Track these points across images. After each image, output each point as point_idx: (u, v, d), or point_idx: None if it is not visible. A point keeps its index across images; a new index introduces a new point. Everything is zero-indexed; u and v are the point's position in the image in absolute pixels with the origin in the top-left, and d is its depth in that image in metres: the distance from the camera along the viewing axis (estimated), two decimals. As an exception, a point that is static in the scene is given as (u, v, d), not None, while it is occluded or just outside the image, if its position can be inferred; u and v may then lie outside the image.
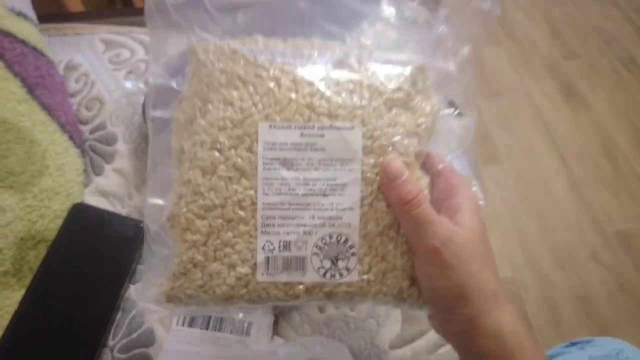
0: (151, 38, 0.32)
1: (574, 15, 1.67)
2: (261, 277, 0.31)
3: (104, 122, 0.55)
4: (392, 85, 0.32)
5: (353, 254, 0.31)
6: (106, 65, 0.60)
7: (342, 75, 0.31)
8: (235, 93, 0.31)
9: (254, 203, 0.31)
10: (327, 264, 0.31)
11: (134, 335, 0.44)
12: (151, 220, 0.32)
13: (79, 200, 0.49)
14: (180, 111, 0.32)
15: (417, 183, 0.31)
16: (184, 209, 0.31)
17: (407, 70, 0.33)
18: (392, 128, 0.31)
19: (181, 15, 0.31)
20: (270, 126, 0.30)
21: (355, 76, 0.31)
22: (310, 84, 0.31)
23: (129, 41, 0.63)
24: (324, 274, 0.31)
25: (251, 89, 0.31)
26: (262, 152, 0.30)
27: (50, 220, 0.45)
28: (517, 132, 1.34)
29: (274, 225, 0.31)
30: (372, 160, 0.31)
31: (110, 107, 0.56)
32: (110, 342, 0.43)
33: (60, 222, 0.46)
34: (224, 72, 0.31)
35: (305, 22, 0.33)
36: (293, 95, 0.31)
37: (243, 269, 0.31)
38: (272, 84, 0.31)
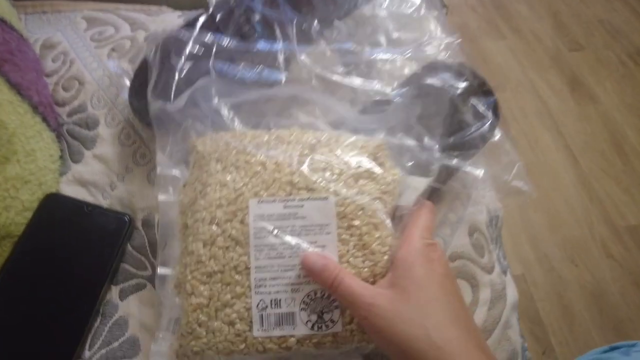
0: (157, 134, 0.39)
1: (577, 7, 1.58)
2: (257, 332, 0.35)
3: (83, 104, 0.48)
4: (356, 161, 0.38)
5: (336, 307, 0.36)
6: (87, 43, 0.52)
7: (316, 157, 0.38)
8: (229, 177, 0.37)
9: (247, 267, 0.36)
10: (314, 317, 0.35)
11: (115, 345, 0.38)
12: (160, 287, 0.37)
13: (53, 190, 0.42)
14: (184, 194, 0.39)
15: (333, 264, 0.34)
16: (189, 276, 0.36)
17: (369, 149, 0.39)
18: (360, 196, 0.37)
19: (181, 120, 0.39)
20: (258, 201, 0.36)
21: (326, 157, 0.38)
22: (290, 165, 0.38)
23: (114, 17, 0.55)
24: (312, 327, 0.35)
25: (242, 172, 0.38)
26: (253, 223, 0.36)
27: (17, 212, 0.38)
28: (523, 126, 1.26)
29: (265, 286, 0.35)
30: (345, 224, 0.37)
31: (91, 88, 0.49)
32: (87, 353, 0.37)
33: (29, 214, 0.40)
34: (219, 161, 0.38)
35: (290, 114, 0.40)
36: (277, 175, 0.37)
37: (241, 326, 0.35)
38: (259, 168, 0.38)
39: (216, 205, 0.37)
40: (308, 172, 0.37)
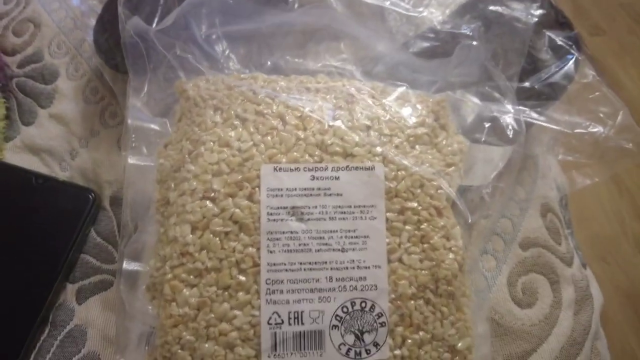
0: (130, 70, 0.27)
1: (596, -9, 1.54)
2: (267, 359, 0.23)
3: (39, 52, 0.39)
4: (413, 120, 0.27)
5: (382, 324, 0.24)
6: (47, -24, 0.40)
7: (356, 110, 0.26)
8: (232, 133, 0.25)
9: (256, 264, 0.24)
10: (351, 339, 0.24)
11: None
12: (127, 290, 0.25)
13: None
14: (165, 157, 0.27)
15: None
16: (169, 275, 0.24)
17: (428, 105, 0.28)
18: (418, 167, 0.26)
19: (167, 48, 0.27)
20: (274, 169, 0.25)
21: (371, 111, 0.27)
22: (320, 120, 0.26)
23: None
24: (347, 352, 0.24)
25: (251, 127, 0.26)
26: (266, 200, 0.24)
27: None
28: (546, 116, 1.22)
29: (282, 292, 0.24)
30: (397, 206, 0.25)
31: (50, 32, 0.40)
32: None
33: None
34: (218, 110, 0.26)
35: (308, 53, 0.28)
36: (301, 134, 0.25)
37: (244, 351, 0.23)
38: (276, 122, 0.26)
39: (212, 173, 0.25)
40: (346, 130, 0.26)
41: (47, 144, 0.35)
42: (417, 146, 0.27)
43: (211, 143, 0.25)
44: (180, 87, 0.28)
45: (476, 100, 0.31)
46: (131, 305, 0.25)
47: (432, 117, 0.27)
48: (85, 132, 0.37)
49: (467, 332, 0.26)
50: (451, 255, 0.25)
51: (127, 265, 0.25)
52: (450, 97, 0.29)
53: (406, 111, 0.27)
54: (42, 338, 0.29)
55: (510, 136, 0.30)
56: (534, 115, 0.31)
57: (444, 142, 0.27)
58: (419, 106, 0.27)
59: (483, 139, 0.30)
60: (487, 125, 0.30)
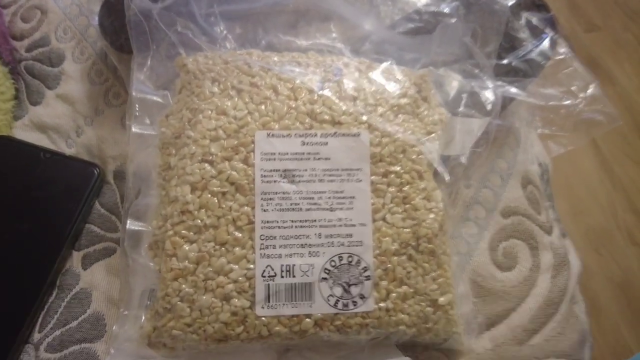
0: (134, 47, 0.28)
1: (591, -12, 1.51)
2: (261, 310, 0.25)
3: (46, 36, 0.40)
4: (397, 92, 0.28)
5: (367, 278, 0.25)
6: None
7: (344, 82, 0.28)
8: (229, 102, 0.27)
9: (251, 222, 0.25)
10: (339, 291, 0.25)
11: (73, 324, 0.29)
12: (131, 248, 0.26)
13: (3, 134, 0.35)
14: (167, 126, 0.28)
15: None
16: (170, 232, 0.25)
17: (411, 78, 0.29)
18: (401, 134, 0.27)
19: (168, 26, 0.28)
20: (268, 134, 0.26)
21: (357, 83, 0.28)
22: (311, 91, 0.27)
23: None
24: (335, 304, 0.25)
25: (246, 98, 0.27)
26: (260, 163, 0.26)
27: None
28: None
29: (274, 247, 0.25)
30: (382, 169, 0.26)
31: (56, 18, 0.41)
32: (36, 336, 0.29)
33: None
34: (216, 82, 0.28)
35: (300, 32, 0.30)
36: (292, 103, 0.27)
37: (240, 302, 0.25)
38: (269, 92, 0.27)
39: (210, 138, 0.26)
40: (334, 100, 0.27)
41: (54, 122, 0.36)
42: (400, 115, 0.28)
43: (209, 111, 0.27)
44: (181, 62, 0.29)
45: (458, 76, 0.32)
46: (135, 262, 0.26)
47: (414, 89, 0.29)
48: (90, 111, 0.38)
49: (449, 288, 0.27)
50: (432, 215, 0.27)
51: (131, 224, 0.27)
52: (432, 72, 0.31)
53: (390, 84, 0.28)
54: (50, 300, 0.30)
55: (488, 109, 0.31)
56: (512, 90, 0.32)
57: (425, 113, 0.29)
58: (402, 79, 0.29)
59: (463, 111, 0.32)
60: (466, 99, 0.32)
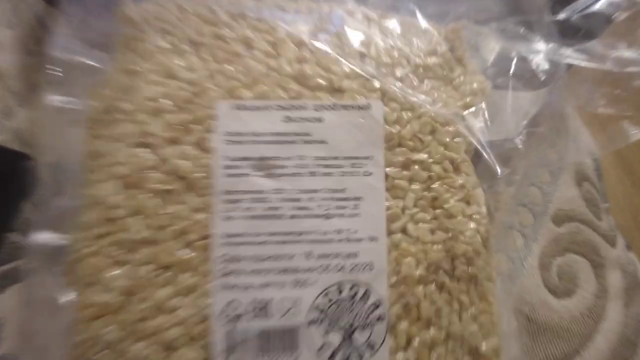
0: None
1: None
2: (221, 366, 0.16)
3: None
4: (422, 47, 0.20)
5: (380, 318, 0.17)
6: None
7: (347, 33, 0.19)
8: (180, 60, 0.18)
9: (207, 235, 0.17)
10: (336, 338, 0.17)
11: None
12: (37, 273, 0.18)
13: None
14: (98, 98, 0.20)
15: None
16: (90, 249, 0.17)
17: (440, 31, 0.21)
18: (430, 107, 0.19)
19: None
20: (235, 106, 0.18)
21: (366, 35, 0.19)
22: (300, 44, 0.19)
23: None
24: (331, 357, 0.17)
25: (206, 54, 0.19)
26: (222, 148, 0.17)
27: None
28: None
29: (242, 273, 0.17)
30: (401, 158, 0.18)
31: None
32: None
33: None
34: (166, 34, 0.19)
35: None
36: (272, 62, 0.18)
37: (190, 353, 0.16)
38: (239, 47, 0.19)
39: (151, 111, 0.18)
40: (333, 57, 0.18)
41: (-23, 101, 0.28)
42: (426, 81, 0.19)
43: (152, 74, 0.18)
44: (122, 12, 0.21)
45: (498, 38, 0.24)
46: (43, 291, 0.18)
47: (445, 45, 0.20)
48: (24, 89, 0.29)
49: (493, 328, 0.19)
50: (472, 225, 0.18)
51: (41, 237, 0.18)
52: (468, 27, 0.22)
53: (413, 35, 0.20)
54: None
55: (542, 79, 0.23)
56: (571, 53, 0.24)
57: (461, 79, 0.20)
58: (429, 31, 0.20)
59: (504, 82, 0.23)
60: (511, 66, 0.23)
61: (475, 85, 0.21)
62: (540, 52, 0.24)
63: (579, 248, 0.25)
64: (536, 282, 0.24)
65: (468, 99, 0.20)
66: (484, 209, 0.19)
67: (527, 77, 0.23)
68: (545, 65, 0.23)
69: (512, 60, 0.23)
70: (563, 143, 0.28)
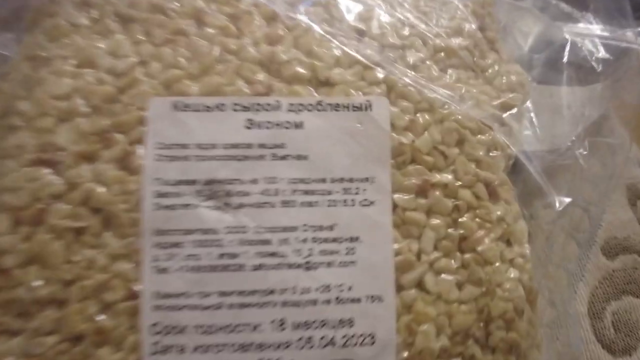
0: None
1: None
2: None
3: None
4: (443, 23, 0.14)
5: (384, 413, 0.12)
6: None
7: (339, 4, 0.14)
8: (103, 43, 0.13)
9: (132, 294, 0.11)
10: None
11: None
12: None
13: None
14: (-1, 93, 0.14)
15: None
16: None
17: (467, 4, 0.15)
18: (455, 106, 0.13)
19: None
20: (174, 106, 0.12)
21: (365, 7, 0.14)
22: (270, 18, 0.13)
23: None
24: None
25: (140, 33, 0.13)
26: (155, 166, 0.12)
27: None
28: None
29: (182, 350, 0.11)
30: (415, 181, 0.13)
31: None
32: None
33: None
34: (86, 6, 0.14)
35: None
36: (231, 43, 0.13)
37: None
38: (186, 23, 0.13)
39: (58, 115, 0.12)
40: (318, 37, 0.13)
41: None
42: (450, 70, 0.14)
43: (62, 62, 0.13)
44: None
45: (537, 17, 0.18)
46: None
47: (475, 22, 0.15)
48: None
49: (542, 413, 0.13)
50: (513, 274, 0.13)
51: None
52: (498, 0, 0.17)
53: (430, 8, 0.14)
54: None
55: (599, 69, 0.18)
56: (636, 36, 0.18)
57: (495, 69, 0.15)
58: (451, 2, 0.15)
59: (549, 78, 0.18)
60: (558, 55, 0.18)
61: (513, 77, 0.15)
62: (592, 35, 0.18)
63: (638, 289, 0.19)
64: (586, 334, 0.18)
65: (507, 96, 0.14)
66: (527, 250, 0.14)
67: (577, 68, 0.18)
68: (600, 52, 0.18)
69: (556, 46, 0.18)
70: (609, 152, 0.22)
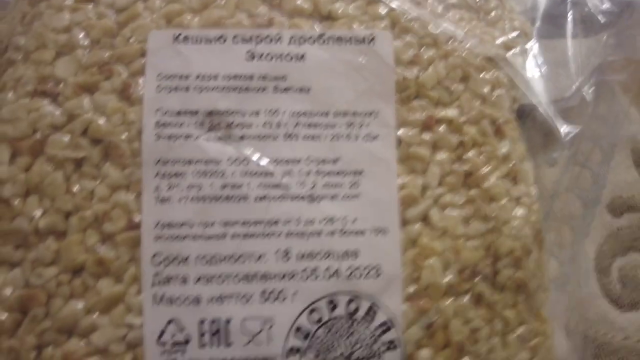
0: None
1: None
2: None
3: None
4: (447, -38, 0.14)
5: (391, 345, 0.12)
6: None
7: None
8: (103, -22, 0.13)
9: (133, 225, 0.11)
10: (326, 376, 0.11)
11: None
12: None
13: None
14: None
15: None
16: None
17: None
18: (459, 43, 0.13)
19: None
20: (175, 37, 0.12)
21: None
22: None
23: None
24: (319, 404, 0.11)
25: (141, -31, 0.13)
26: (156, 97, 0.12)
27: None
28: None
29: (185, 280, 0.11)
30: (420, 115, 0.12)
31: None
32: None
33: None
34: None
35: None
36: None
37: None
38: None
39: (57, 47, 0.12)
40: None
41: None
42: (453, 10, 0.14)
43: (62, -4, 0.13)
44: None
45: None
46: None
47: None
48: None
49: (549, 354, 0.13)
50: (520, 212, 0.13)
51: None
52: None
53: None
54: None
55: (603, 22, 0.17)
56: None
57: (498, 12, 0.15)
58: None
59: (553, 31, 0.18)
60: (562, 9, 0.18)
61: (516, 22, 0.15)
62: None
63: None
64: (592, 290, 0.18)
65: (508, 40, 0.14)
66: (533, 190, 0.14)
67: (581, 21, 0.17)
68: (606, 4, 0.18)
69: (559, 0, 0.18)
70: (612, 113, 0.22)
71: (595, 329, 0.17)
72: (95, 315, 0.11)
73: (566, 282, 0.18)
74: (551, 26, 0.18)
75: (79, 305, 0.11)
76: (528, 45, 0.15)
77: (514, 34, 0.14)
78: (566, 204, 0.19)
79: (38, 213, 0.11)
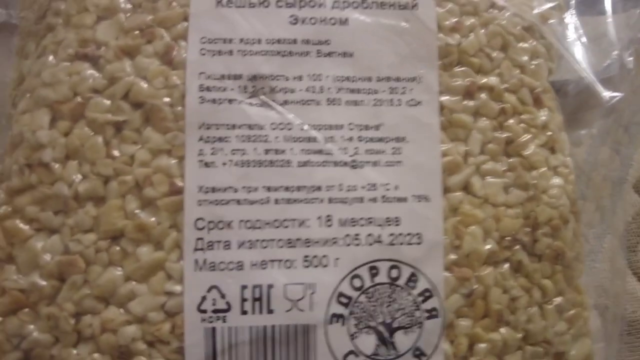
0: None
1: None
2: (196, 384, 0.11)
3: None
4: None
5: (432, 313, 0.12)
6: None
7: None
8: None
9: (175, 190, 0.11)
10: (369, 343, 0.11)
11: None
12: None
13: None
14: (31, 6, 0.14)
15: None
16: (4, 208, 0.11)
17: None
18: (500, 10, 0.13)
19: None
20: (218, 1, 0.12)
21: None
22: None
23: None
24: (362, 369, 0.11)
25: None
26: (199, 60, 0.12)
27: None
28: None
29: (228, 245, 0.11)
30: (462, 82, 0.12)
31: None
32: None
33: None
34: None
35: None
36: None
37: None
38: None
39: (98, 11, 0.12)
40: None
41: None
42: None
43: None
44: None
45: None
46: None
47: None
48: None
49: (585, 327, 0.13)
50: (558, 181, 0.13)
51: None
52: None
53: None
54: None
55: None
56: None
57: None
58: None
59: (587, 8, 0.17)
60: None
61: (552, -5, 0.15)
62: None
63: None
64: (621, 267, 0.18)
65: (544, 10, 0.14)
66: (570, 161, 0.14)
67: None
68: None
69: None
70: (633, 91, 0.22)
71: (624, 307, 0.17)
72: (134, 283, 0.11)
73: (595, 260, 0.18)
74: (586, 3, 0.18)
75: (117, 273, 0.11)
76: (566, 17, 0.14)
77: (551, 4, 0.14)
78: (593, 183, 0.19)
79: (78, 178, 0.11)
